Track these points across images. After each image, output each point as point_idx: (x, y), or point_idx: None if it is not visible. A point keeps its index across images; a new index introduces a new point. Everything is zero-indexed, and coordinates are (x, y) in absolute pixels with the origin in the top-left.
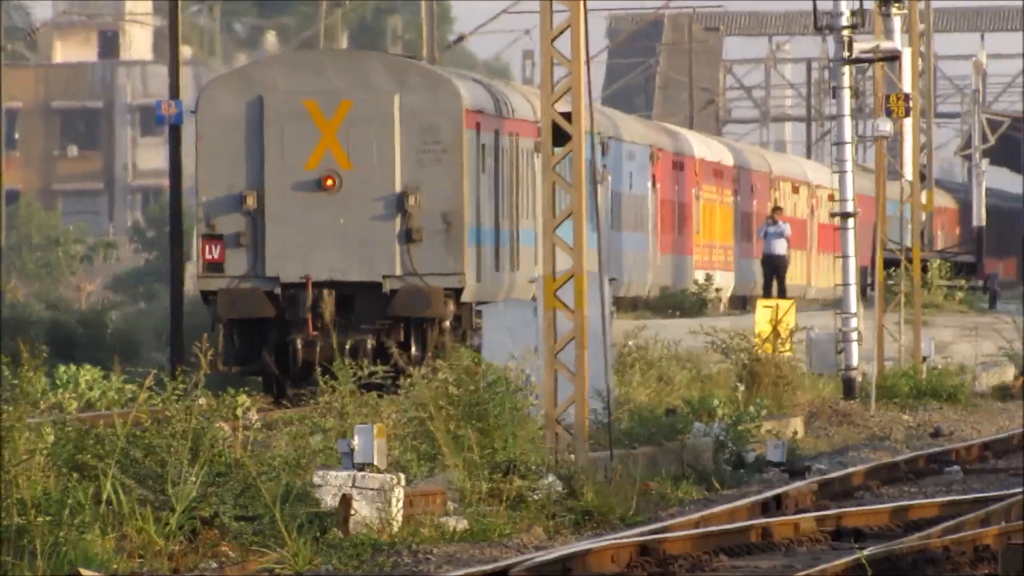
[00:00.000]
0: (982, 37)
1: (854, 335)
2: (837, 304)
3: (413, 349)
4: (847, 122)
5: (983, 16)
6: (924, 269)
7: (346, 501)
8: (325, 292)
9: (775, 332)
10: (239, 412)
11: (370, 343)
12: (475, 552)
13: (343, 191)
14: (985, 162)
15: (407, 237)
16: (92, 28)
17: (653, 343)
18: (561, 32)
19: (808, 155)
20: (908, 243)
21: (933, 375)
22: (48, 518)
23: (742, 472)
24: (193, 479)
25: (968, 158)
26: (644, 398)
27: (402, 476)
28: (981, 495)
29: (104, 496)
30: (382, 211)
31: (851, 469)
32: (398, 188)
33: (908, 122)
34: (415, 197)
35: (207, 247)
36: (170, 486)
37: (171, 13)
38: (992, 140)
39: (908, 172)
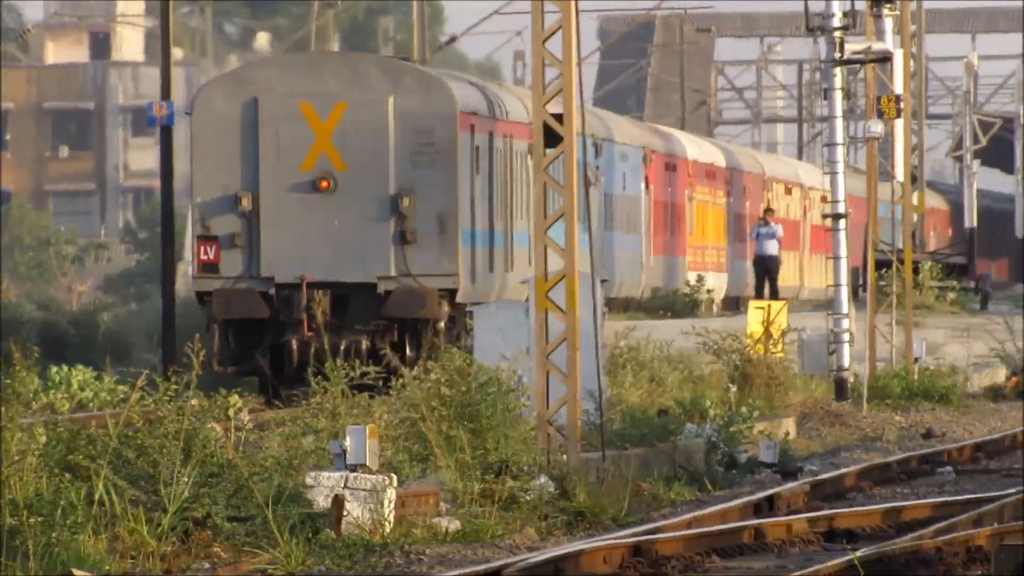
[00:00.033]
0: (973, 38)
1: (846, 336)
2: (829, 305)
3: (408, 350)
4: (839, 123)
5: (974, 17)
6: (916, 270)
7: (338, 502)
8: (320, 293)
9: (767, 333)
10: (231, 413)
11: (365, 344)
12: (467, 553)
13: (338, 192)
14: (976, 163)
15: (402, 238)
16: (83, 29)
17: (645, 344)
18: (553, 33)
19: (799, 156)
20: (900, 244)
21: (925, 376)
22: (40, 519)
23: (734, 473)
24: (185, 480)
25: (959, 159)
26: (636, 399)
27: (394, 477)
28: (973, 496)
29: (96, 497)
30: (377, 212)
31: (843, 470)
32: (392, 190)
33: (899, 123)
34: (409, 199)
35: (202, 248)
36: (162, 487)
37: (162, 14)
38: (983, 141)
39: (899, 173)
